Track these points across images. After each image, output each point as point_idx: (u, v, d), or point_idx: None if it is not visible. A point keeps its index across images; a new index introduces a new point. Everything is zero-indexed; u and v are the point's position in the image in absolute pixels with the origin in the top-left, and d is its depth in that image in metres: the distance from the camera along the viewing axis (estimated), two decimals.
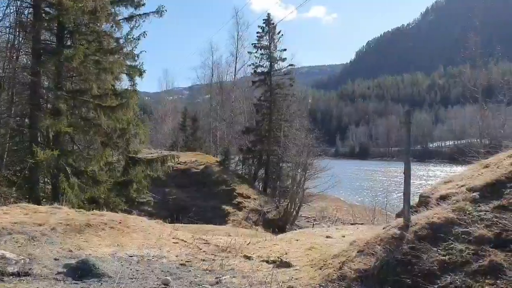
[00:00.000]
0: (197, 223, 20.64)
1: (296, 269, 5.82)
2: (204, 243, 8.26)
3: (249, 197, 31.40)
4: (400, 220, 4.71)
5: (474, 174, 5.12)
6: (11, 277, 5.01)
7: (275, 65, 39.50)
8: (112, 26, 17.49)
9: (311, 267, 5.65)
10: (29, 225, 6.99)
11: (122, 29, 17.88)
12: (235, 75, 48.36)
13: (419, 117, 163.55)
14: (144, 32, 18.56)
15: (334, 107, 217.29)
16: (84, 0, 14.83)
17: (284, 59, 39.54)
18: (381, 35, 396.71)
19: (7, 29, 16.01)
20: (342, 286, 4.17)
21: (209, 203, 29.52)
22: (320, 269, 5.23)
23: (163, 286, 5.09)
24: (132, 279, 5.34)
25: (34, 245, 6.24)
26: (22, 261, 5.46)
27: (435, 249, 3.91)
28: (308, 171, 31.63)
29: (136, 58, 18.62)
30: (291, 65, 40.21)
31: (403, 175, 4.56)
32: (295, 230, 22.37)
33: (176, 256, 6.93)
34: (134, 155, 18.41)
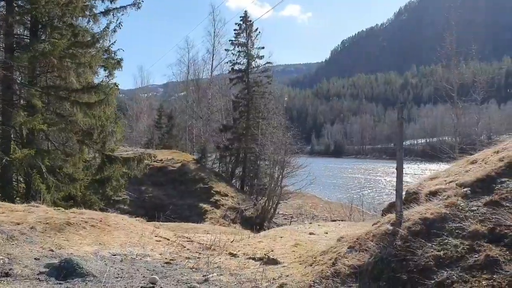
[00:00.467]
0: (174, 222, 20.41)
1: (284, 266, 5.77)
2: (188, 241, 8.14)
3: (226, 195, 31.28)
4: (392, 216, 4.71)
5: (461, 170, 5.17)
6: None
7: (253, 62, 39.47)
8: (88, 21, 17.07)
9: (300, 264, 5.61)
10: (6, 223, 6.74)
11: (100, 23, 17.44)
12: (211, 72, 47.99)
13: (393, 116, 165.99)
14: (120, 23, 18.05)
15: (310, 105, 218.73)
16: None
17: (261, 57, 39.56)
18: (355, 34, 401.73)
19: None
20: (337, 282, 4.14)
21: (186, 201, 29.28)
22: (311, 265, 5.19)
23: (151, 285, 4.97)
24: (117, 278, 5.20)
25: (13, 244, 6.01)
26: (1, 261, 5.25)
27: (429, 244, 3.91)
28: (286, 169, 31.69)
29: (112, 54, 18.16)
30: (269, 62, 40.25)
31: (395, 171, 4.57)
32: (273, 227, 22.42)
33: (160, 255, 6.80)
34: (110, 153, 18.00)
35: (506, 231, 3.70)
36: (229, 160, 40.54)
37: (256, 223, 27.12)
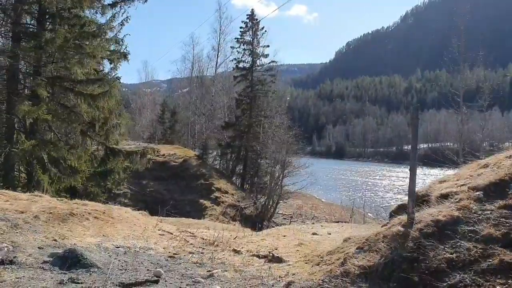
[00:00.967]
0: (175, 217, 20.37)
1: (289, 265, 5.73)
2: (191, 236, 8.11)
3: (227, 192, 31.28)
4: (403, 218, 4.66)
5: (473, 174, 5.11)
6: None
7: (257, 61, 39.38)
8: (96, 12, 17.05)
9: (306, 263, 5.57)
10: (10, 212, 6.71)
11: (106, 15, 17.43)
12: (216, 69, 47.98)
13: (396, 120, 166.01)
14: (127, 17, 18.10)
15: (312, 105, 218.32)
16: None
17: (266, 55, 39.52)
18: (361, 36, 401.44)
19: None
20: (346, 282, 4.09)
21: (187, 196, 29.27)
22: (318, 265, 5.15)
23: (155, 278, 4.93)
24: (122, 270, 5.16)
25: (17, 232, 5.98)
26: (6, 248, 5.21)
27: (441, 247, 3.86)
28: (287, 168, 31.66)
29: (120, 42, 18.12)
30: (273, 61, 40.20)
31: (409, 171, 4.52)
32: (273, 226, 22.39)
33: (164, 248, 6.76)
34: (114, 146, 17.97)
35: None
36: (230, 157, 40.51)
37: (255, 222, 27.09)
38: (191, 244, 7.36)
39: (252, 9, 39.64)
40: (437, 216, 4.22)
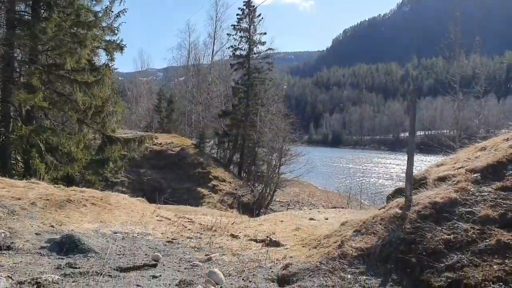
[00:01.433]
0: (172, 205, 20.40)
1: (286, 248, 5.75)
2: (189, 221, 8.12)
3: (224, 181, 31.33)
4: (400, 200, 4.67)
5: (470, 157, 5.11)
6: None
7: (254, 48, 39.12)
8: (91, 0, 16.89)
9: (303, 247, 5.59)
10: (7, 198, 6.68)
11: (102, 3, 17.26)
12: (212, 57, 47.70)
13: (393, 107, 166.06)
14: (124, 9, 18.00)
15: (309, 94, 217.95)
16: None
17: (263, 43, 39.22)
18: (357, 24, 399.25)
19: None
20: (344, 264, 4.10)
21: (184, 185, 29.31)
22: (315, 248, 5.17)
23: (153, 262, 4.93)
24: (119, 255, 5.16)
25: (14, 219, 5.97)
26: (3, 234, 5.20)
27: (439, 228, 3.86)
28: (284, 156, 31.68)
29: (116, 31, 17.98)
30: (270, 49, 39.90)
31: (407, 154, 4.51)
32: (270, 213, 22.44)
33: (162, 234, 6.77)
34: (111, 134, 17.91)
35: None
36: (227, 146, 40.50)
37: (253, 209, 27.18)
38: (189, 229, 7.38)
39: None
40: (435, 198, 4.23)
